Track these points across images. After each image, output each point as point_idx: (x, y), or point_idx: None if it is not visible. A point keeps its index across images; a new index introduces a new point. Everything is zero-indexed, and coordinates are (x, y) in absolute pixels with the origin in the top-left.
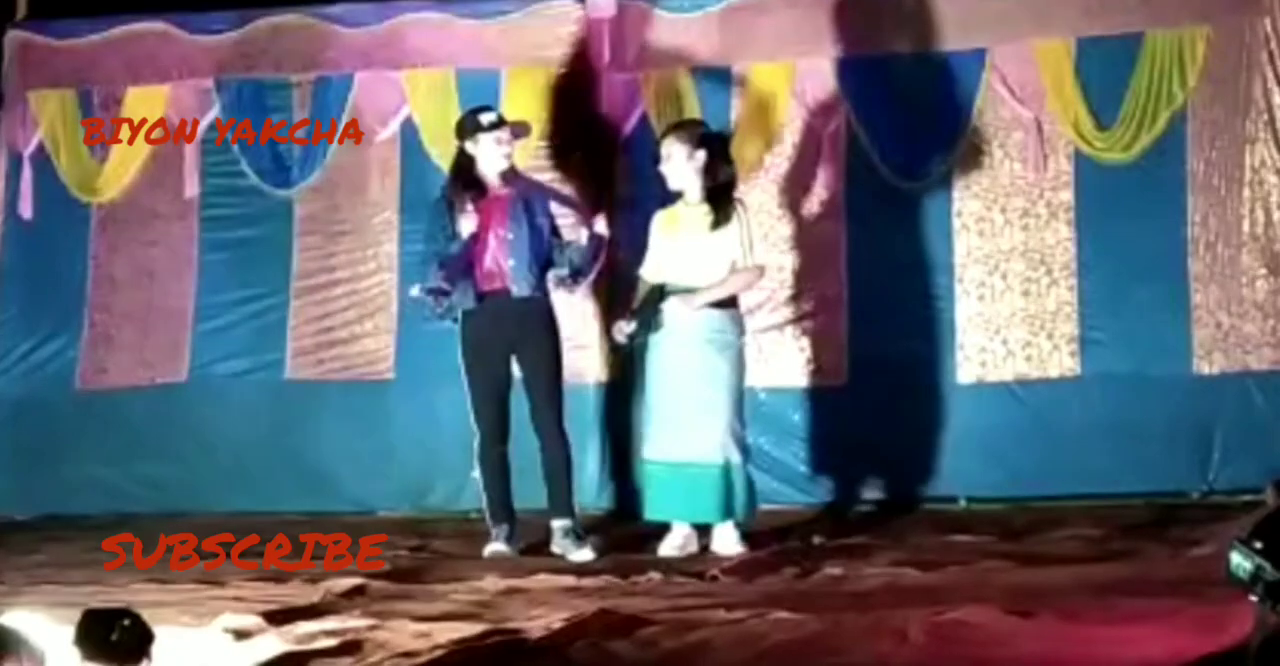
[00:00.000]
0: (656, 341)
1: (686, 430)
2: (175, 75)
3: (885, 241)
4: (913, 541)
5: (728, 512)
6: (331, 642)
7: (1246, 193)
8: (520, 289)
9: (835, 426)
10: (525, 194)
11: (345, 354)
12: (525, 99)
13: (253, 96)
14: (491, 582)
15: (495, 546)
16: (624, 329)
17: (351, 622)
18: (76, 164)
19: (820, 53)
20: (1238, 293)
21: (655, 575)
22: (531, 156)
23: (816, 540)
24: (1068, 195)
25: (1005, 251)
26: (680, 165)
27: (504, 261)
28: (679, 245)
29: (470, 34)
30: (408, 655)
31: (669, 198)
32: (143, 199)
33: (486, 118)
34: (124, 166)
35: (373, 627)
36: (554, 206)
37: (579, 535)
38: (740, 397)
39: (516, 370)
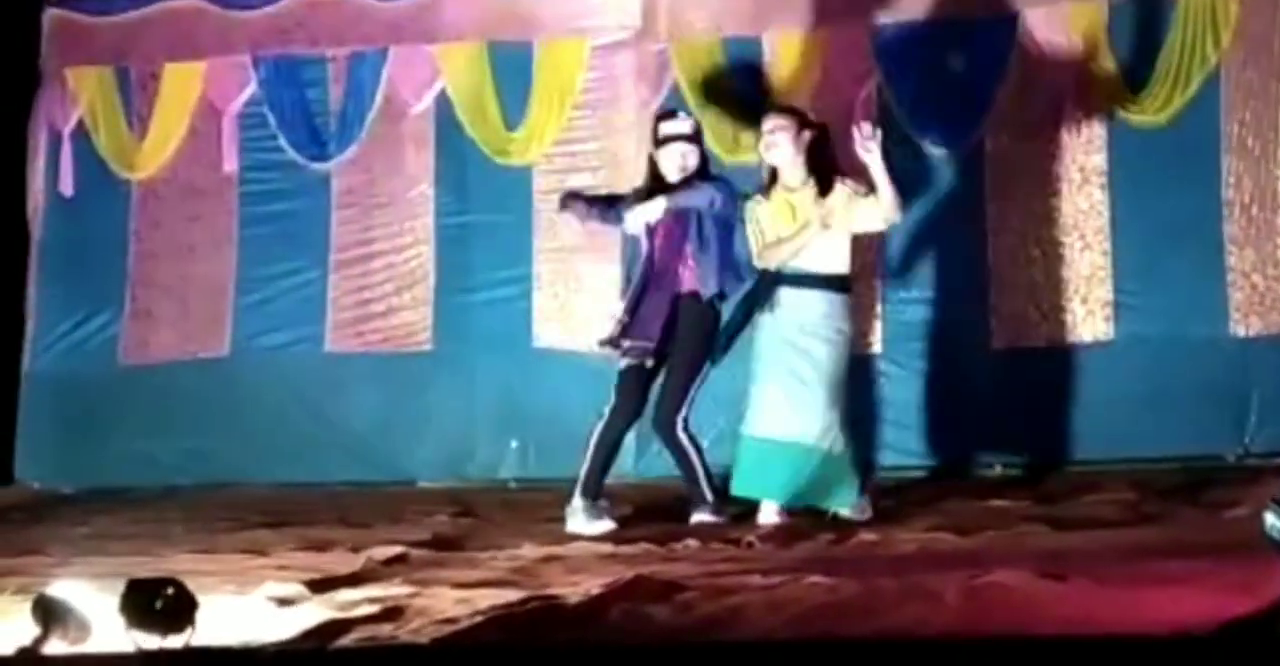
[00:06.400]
0: (767, 321)
1: (789, 410)
2: (212, 51)
3: (918, 209)
4: (948, 507)
5: (826, 498)
6: (373, 609)
7: None
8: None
9: (869, 393)
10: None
11: (384, 326)
12: (557, 71)
13: (289, 72)
14: (530, 550)
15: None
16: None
17: (393, 590)
18: (116, 140)
19: (852, 21)
20: (1273, 255)
21: (692, 542)
22: (565, 129)
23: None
24: (1101, 159)
25: (1038, 216)
26: (786, 145)
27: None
28: (799, 232)
29: (502, 7)
30: (448, 621)
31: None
32: (182, 174)
33: (664, 129)
34: (163, 142)
35: (413, 594)
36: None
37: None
38: (843, 386)
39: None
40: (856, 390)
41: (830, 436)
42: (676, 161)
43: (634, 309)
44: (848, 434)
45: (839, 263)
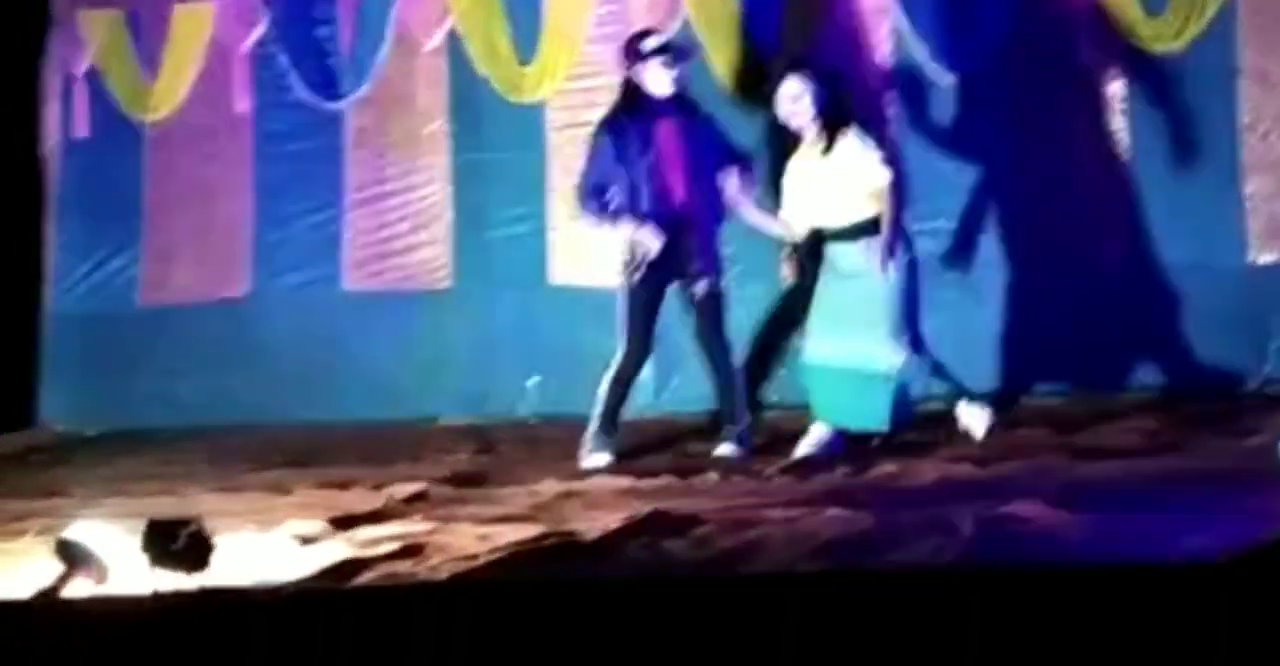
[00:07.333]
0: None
1: (831, 335)
2: None
3: (937, 134)
4: (968, 437)
5: (861, 418)
6: (394, 546)
7: None
8: None
9: None
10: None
11: (402, 264)
12: (569, 6)
13: (299, 10)
14: (549, 486)
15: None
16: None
17: (413, 527)
18: (128, 83)
19: None
20: None
21: (711, 476)
22: (577, 65)
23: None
24: (1118, 86)
25: (1056, 142)
26: (806, 109)
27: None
28: (812, 191)
29: None
30: (468, 557)
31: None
32: (195, 115)
33: (650, 43)
34: (175, 84)
35: (434, 531)
36: None
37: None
38: (895, 307)
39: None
40: None
41: (873, 357)
42: (670, 73)
43: (671, 238)
44: (900, 354)
45: (867, 209)
